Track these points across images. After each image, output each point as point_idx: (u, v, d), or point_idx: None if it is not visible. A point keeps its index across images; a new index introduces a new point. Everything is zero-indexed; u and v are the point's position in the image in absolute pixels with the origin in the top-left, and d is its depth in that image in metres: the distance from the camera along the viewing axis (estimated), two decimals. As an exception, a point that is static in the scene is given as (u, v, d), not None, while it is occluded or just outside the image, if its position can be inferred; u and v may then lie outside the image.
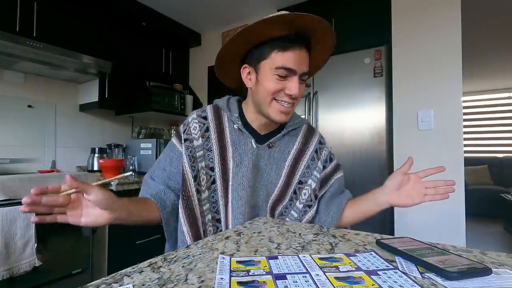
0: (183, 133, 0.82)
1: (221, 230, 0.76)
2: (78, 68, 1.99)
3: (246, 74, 0.79)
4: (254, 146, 0.79)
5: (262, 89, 0.74)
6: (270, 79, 0.72)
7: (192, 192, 0.76)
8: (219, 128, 0.82)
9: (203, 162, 0.79)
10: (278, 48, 0.71)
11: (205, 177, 0.78)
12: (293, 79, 0.72)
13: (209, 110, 0.85)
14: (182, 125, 0.85)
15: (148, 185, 0.81)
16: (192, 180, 0.77)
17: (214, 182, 0.78)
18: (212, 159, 0.79)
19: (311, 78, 2.09)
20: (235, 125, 0.81)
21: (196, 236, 0.74)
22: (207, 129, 0.82)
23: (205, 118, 0.83)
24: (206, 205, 0.77)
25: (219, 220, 0.77)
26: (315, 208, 0.82)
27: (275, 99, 0.74)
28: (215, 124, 0.82)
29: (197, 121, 0.83)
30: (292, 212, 0.81)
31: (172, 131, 2.82)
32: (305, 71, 0.73)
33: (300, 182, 0.82)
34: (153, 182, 0.82)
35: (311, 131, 0.89)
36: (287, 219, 0.80)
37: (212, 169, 0.78)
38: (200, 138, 0.80)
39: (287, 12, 0.68)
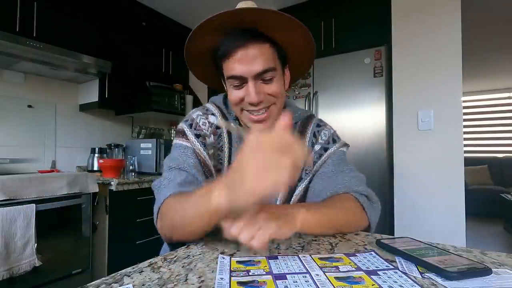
0: (192, 128, 0.72)
1: None
2: (78, 68, 1.99)
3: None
4: None
5: (230, 101, 0.69)
6: (230, 91, 0.67)
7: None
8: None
9: (212, 162, 0.71)
10: (222, 55, 0.64)
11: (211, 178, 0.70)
12: (248, 85, 0.63)
13: (211, 107, 0.77)
14: (184, 122, 0.74)
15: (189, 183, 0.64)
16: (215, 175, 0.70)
17: None
18: (221, 160, 0.72)
19: (311, 78, 2.09)
20: (232, 124, 0.74)
21: None
22: (218, 126, 0.73)
23: (213, 114, 0.75)
24: None
25: None
26: (302, 186, 0.73)
27: (243, 109, 0.67)
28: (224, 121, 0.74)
29: (204, 117, 0.74)
30: None
31: (172, 131, 2.81)
32: (260, 70, 0.62)
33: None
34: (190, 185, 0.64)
35: (308, 117, 0.81)
36: None
37: (220, 170, 0.71)
38: (212, 136, 0.72)
39: (207, 18, 0.60)
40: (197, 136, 0.71)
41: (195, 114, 0.75)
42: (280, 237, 0.46)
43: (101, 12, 2.18)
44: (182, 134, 0.72)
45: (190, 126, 0.72)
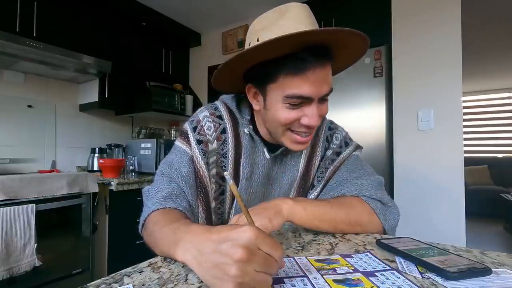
0: (195, 132, 0.68)
1: None
2: (78, 68, 1.99)
3: (253, 95, 0.65)
4: (267, 156, 0.68)
5: (271, 117, 0.61)
6: (280, 108, 0.58)
7: (209, 203, 0.68)
8: (236, 131, 0.70)
9: (215, 169, 0.68)
10: (287, 70, 0.55)
11: (214, 186, 0.68)
12: (310, 107, 0.57)
13: (222, 107, 0.72)
14: (189, 123, 0.70)
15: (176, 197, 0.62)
16: (210, 191, 0.67)
17: (223, 193, 0.69)
18: (225, 167, 0.69)
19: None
20: (245, 129, 0.69)
21: None
22: (224, 131, 0.69)
23: (220, 117, 0.70)
24: (212, 216, 0.69)
25: None
26: (315, 192, 0.71)
27: (290, 129, 0.61)
28: (232, 125, 0.70)
29: (211, 120, 0.69)
30: None
31: (172, 131, 2.81)
32: (327, 92, 0.58)
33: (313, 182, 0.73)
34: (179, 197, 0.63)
35: None
36: None
37: (223, 178, 0.69)
38: (215, 141, 0.68)
39: (293, 33, 0.49)
40: (199, 142, 0.67)
41: (202, 115, 0.71)
42: (272, 230, 0.51)
43: (101, 12, 2.18)
44: (185, 136, 0.69)
45: (194, 129, 0.69)
